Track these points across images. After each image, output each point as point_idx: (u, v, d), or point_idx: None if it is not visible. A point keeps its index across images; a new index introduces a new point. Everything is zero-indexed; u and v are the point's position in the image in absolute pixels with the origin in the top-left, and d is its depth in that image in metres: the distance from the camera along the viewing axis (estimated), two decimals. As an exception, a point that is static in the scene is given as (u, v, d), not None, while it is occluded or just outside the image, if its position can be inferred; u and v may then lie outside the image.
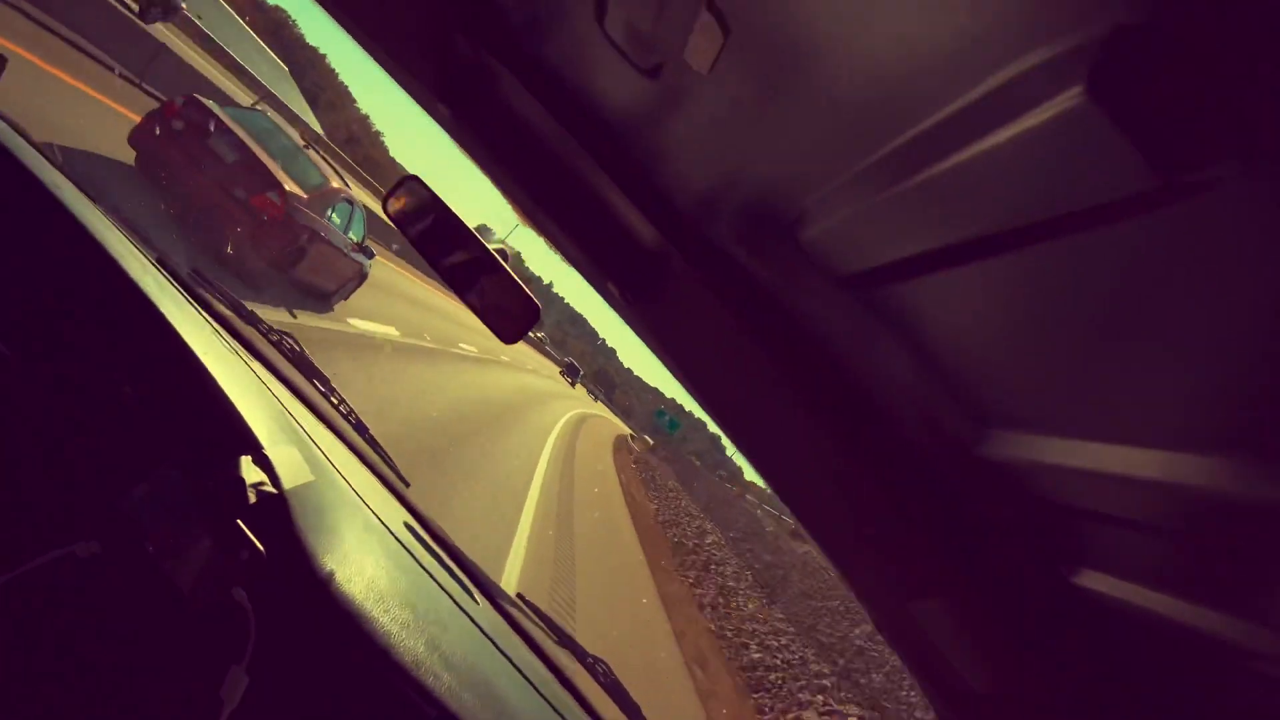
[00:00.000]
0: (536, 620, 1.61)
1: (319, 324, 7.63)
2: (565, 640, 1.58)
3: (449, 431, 8.68)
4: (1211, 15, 0.30)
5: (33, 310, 1.09)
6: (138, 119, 6.65)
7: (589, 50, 0.81)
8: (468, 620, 1.30)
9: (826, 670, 10.44)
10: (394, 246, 20.04)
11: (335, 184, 7.90)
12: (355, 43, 1.06)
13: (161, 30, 10.76)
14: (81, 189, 1.37)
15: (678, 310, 0.95)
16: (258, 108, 8.63)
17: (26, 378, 1.06)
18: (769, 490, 0.98)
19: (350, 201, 8.38)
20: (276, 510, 1.00)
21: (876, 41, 0.48)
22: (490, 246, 1.10)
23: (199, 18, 13.50)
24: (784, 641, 11.21)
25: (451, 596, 1.32)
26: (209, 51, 15.60)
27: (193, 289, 1.54)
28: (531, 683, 1.31)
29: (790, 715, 8.61)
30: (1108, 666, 0.68)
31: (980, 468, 0.69)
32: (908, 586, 0.82)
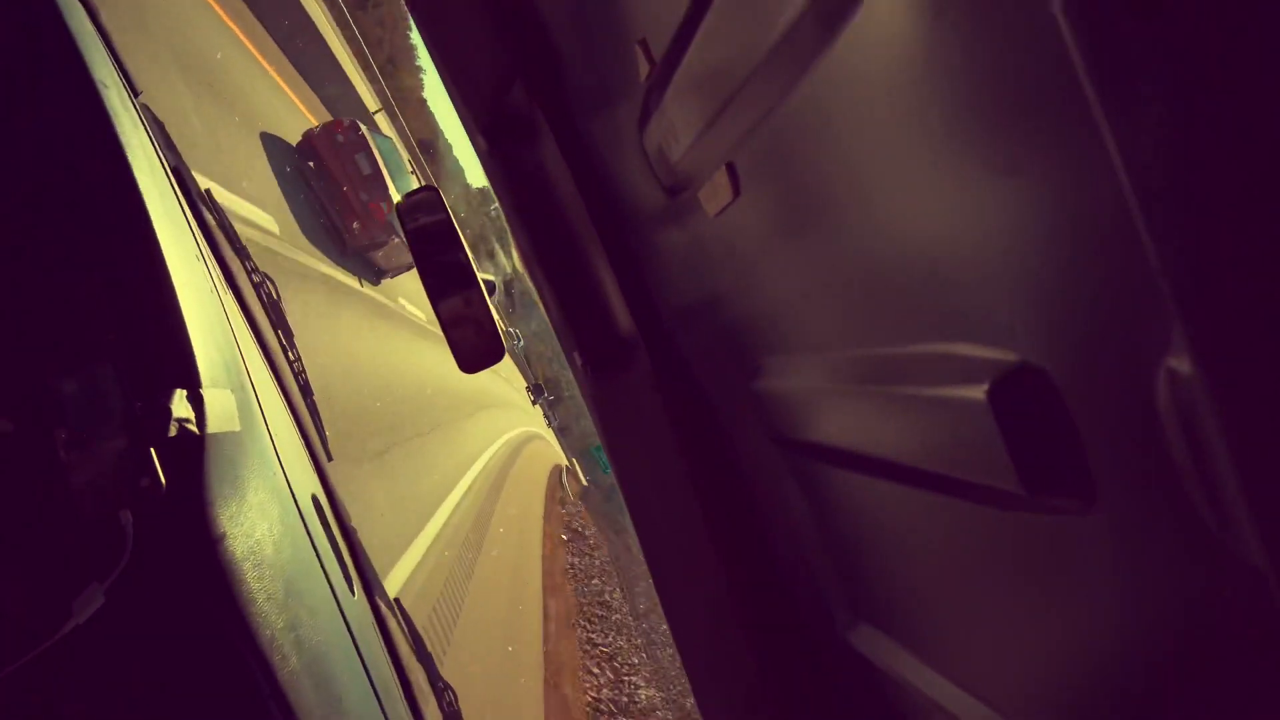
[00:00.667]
0: (404, 629, 1.61)
1: (376, 295, 10.28)
2: (424, 657, 1.58)
3: (422, 403, 9.11)
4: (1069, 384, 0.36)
5: (17, 164, 1.08)
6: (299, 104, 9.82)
7: (624, 146, 0.87)
8: (337, 611, 1.31)
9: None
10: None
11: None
12: (429, 53, 1.12)
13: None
14: (127, 80, 1.41)
15: (626, 398, 1.00)
16: (386, 134, 12.30)
17: None
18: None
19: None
20: (192, 451, 1.02)
21: (856, 268, 0.54)
22: (480, 276, 1.14)
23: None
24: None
25: (330, 583, 1.33)
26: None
27: (196, 207, 1.56)
28: (375, 691, 1.31)
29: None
30: None
31: (841, 651, 0.74)
32: (735, 709, 0.86)
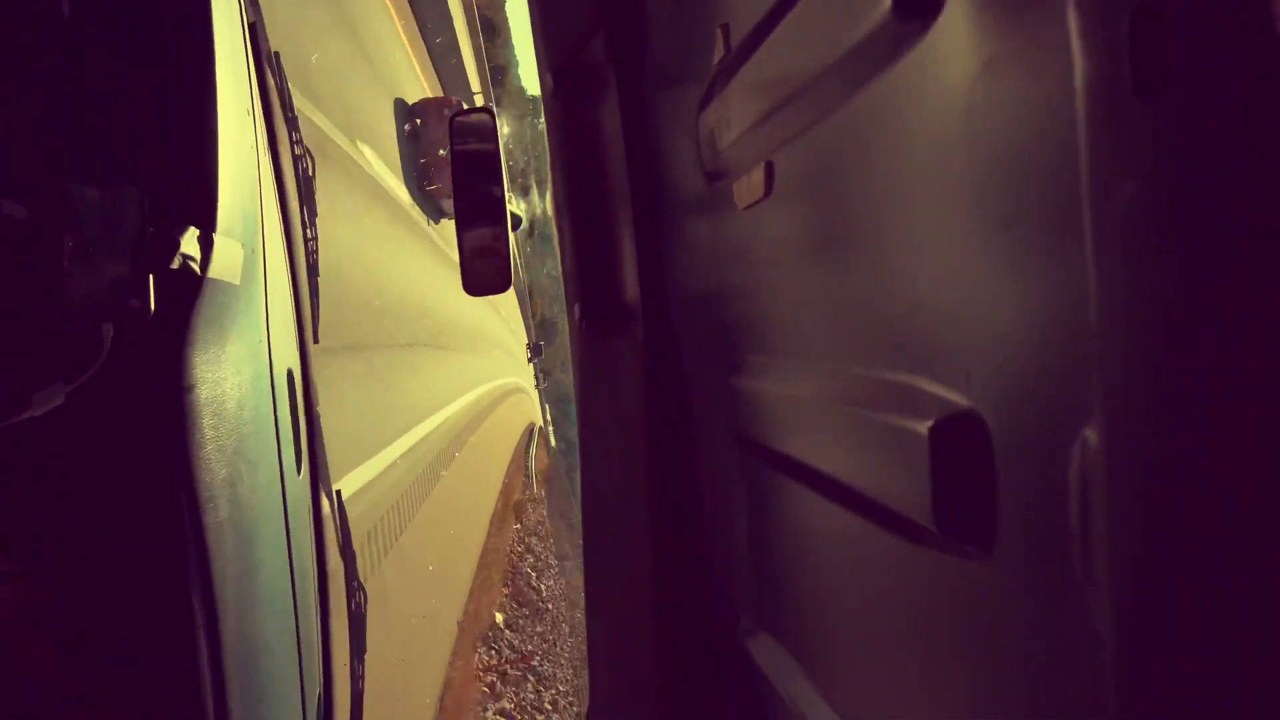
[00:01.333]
0: (336, 522, 1.64)
1: (420, 221, 11.06)
2: (348, 552, 1.61)
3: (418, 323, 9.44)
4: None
5: None
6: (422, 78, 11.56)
7: (680, 123, 0.89)
8: (279, 482, 1.33)
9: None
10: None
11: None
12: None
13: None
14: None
15: (612, 362, 1.02)
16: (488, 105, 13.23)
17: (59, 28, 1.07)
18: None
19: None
20: (189, 288, 1.04)
21: (854, 288, 0.55)
22: (510, 208, 1.16)
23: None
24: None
25: (280, 454, 1.35)
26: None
27: (261, 66, 1.58)
28: (292, 568, 1.34)
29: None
30: None
31: (737, 655, 0.76)
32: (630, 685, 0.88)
